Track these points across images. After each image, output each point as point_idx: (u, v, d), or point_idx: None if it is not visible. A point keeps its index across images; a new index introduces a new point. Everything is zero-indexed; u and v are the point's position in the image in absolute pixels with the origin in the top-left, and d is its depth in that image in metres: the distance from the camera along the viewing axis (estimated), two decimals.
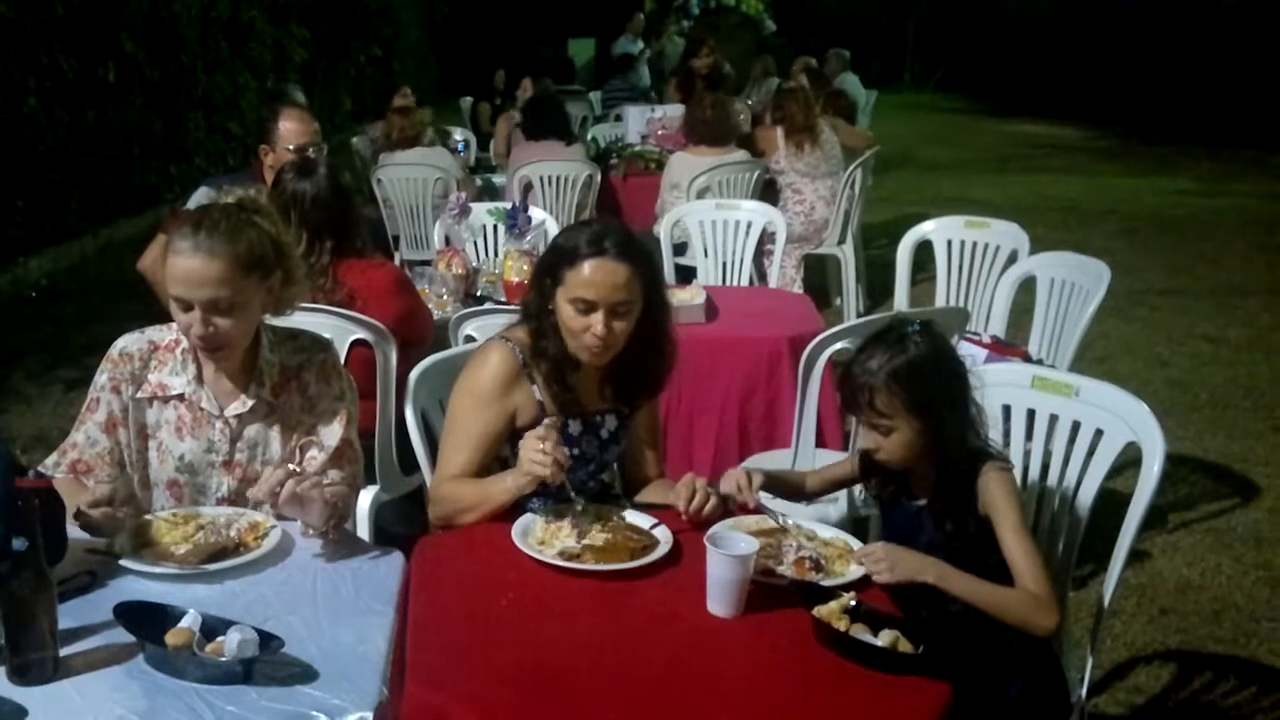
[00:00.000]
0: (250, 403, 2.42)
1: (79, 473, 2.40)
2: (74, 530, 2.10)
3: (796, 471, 2.75)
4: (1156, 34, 17.62)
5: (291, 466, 2.22)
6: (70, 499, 2.06)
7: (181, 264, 2.28)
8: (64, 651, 1.78)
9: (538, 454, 2.25)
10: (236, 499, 2.44)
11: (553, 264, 2.46)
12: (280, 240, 2.44)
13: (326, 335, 3.09)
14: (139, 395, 2.41)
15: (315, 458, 2.43)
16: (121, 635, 1.82)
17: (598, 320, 2.39)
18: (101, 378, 2.42)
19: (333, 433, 2.46)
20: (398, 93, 7.94)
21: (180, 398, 2.42)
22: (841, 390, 2.36)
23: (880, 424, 2.27)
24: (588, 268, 2.39)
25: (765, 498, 2.99)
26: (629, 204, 6.96)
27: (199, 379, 2.42)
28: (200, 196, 4.10)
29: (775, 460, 3.50)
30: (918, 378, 2.25)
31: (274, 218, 2.46)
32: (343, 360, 3.11)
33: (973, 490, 2.26)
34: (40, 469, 2.25)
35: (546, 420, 2.35)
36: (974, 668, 1.98)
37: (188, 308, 2.29)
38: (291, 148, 4.04)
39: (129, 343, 2.45)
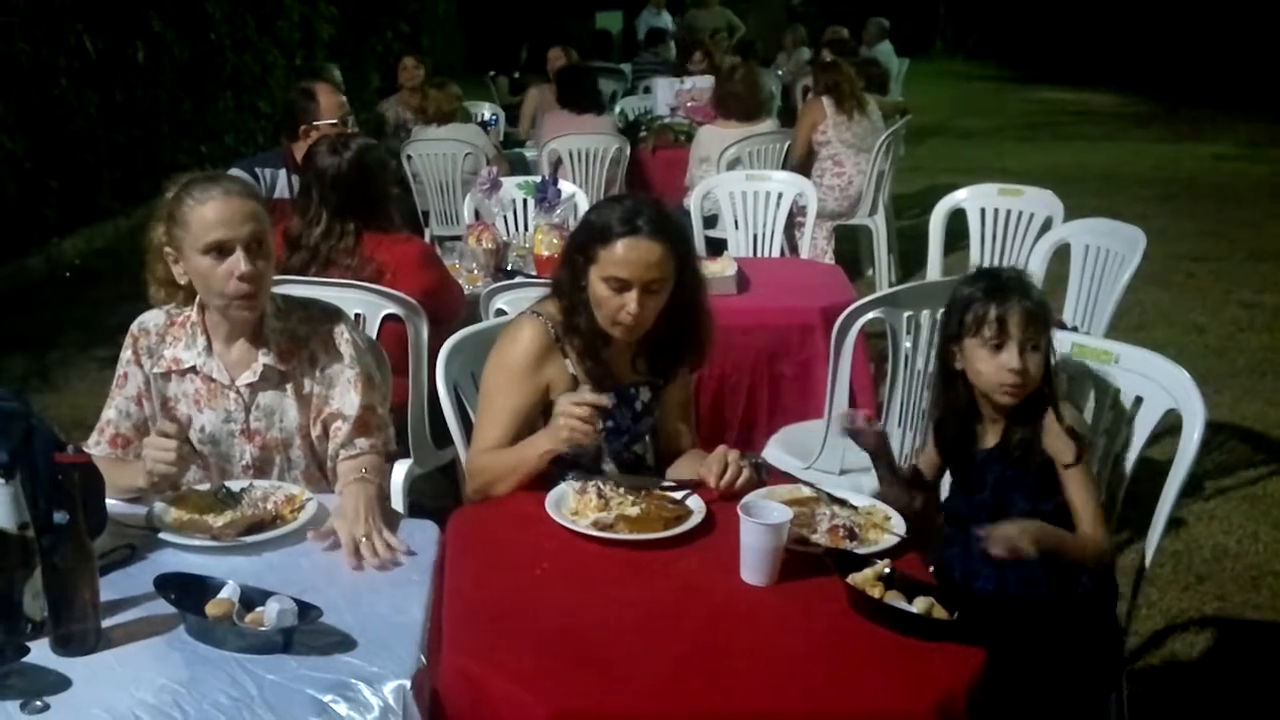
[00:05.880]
0: (259, 369, 2.43)
1: (119, 447, 2.45)
2: (114, 504, 2.13)
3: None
4: None
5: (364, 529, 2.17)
6: (110, 476, 2.08)
7: (215, 207, 2.31)
8: (106, 623, 1.80)
9: (573, 418, 2.27)
10: (261, 466, 2.48)
11: (585, 241, 2.45)
12: None
13: (358, 310, 3.12)
14: (156, 370, 2.46)
15: (340, 429, 2.46)
16: (162, 607, 1.85)
17: (631, 298, 2.38)
18: (126, 353, 2.48)
19: (350, 402, 2.47)
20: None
21: (194, 370, 2.45)
22: (987, 315, 2.30)
23: (1039, 341, 2.30)
24: (621, 246, 2.38)
25: (797, 469, 2.99)
26: (658, 178, 6.92)
27: (209, 350, 2.44)
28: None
29: (807, 432, 3.49)
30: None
31: None
32: (375, 335, 3.13)
33: (1039, 426, 2.31)
34: (82, 448, 2.28)
35: (592, 395, 2.35)
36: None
37: (227, 252, 2.31)
38: (334, 122, 4.07)
39: (148, 318, 2.51)
